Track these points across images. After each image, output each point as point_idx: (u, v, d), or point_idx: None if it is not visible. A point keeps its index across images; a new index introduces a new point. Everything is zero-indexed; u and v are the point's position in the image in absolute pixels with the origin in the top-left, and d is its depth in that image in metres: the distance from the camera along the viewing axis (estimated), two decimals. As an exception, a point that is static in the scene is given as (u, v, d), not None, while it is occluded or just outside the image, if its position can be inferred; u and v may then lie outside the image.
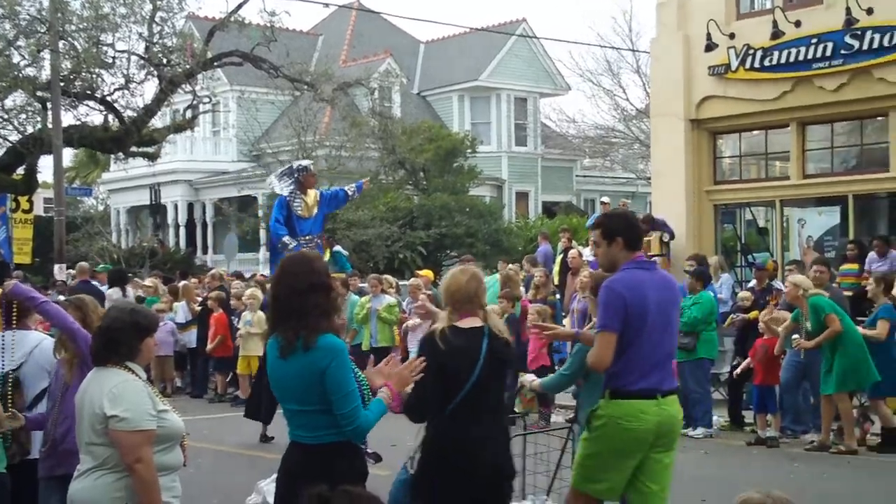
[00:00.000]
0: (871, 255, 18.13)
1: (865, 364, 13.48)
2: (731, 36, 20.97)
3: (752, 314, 15.60)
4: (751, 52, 20.66)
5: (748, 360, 14.64)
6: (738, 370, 15.08)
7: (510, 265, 21.26)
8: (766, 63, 20.54)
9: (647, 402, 6.50)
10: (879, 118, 20.09)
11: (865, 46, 19.17)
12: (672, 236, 21.20)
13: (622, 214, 7.38)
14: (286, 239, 14.30)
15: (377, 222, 32.10)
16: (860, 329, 13.95)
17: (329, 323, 5.38)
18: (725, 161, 22.61)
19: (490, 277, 21.45)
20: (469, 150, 36.94)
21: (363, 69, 36.90)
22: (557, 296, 20.09)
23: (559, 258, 22.80)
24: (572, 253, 20.47)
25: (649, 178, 39.70)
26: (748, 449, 14.21)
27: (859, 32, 19.21)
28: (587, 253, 22.36)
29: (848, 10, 19.09)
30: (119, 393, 5.40)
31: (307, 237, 14.70)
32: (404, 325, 18.76)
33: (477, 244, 33.52)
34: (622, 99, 39.43)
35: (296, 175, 15.03)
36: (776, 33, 20.06)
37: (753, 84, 20.82)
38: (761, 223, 23.37)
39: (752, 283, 17.79)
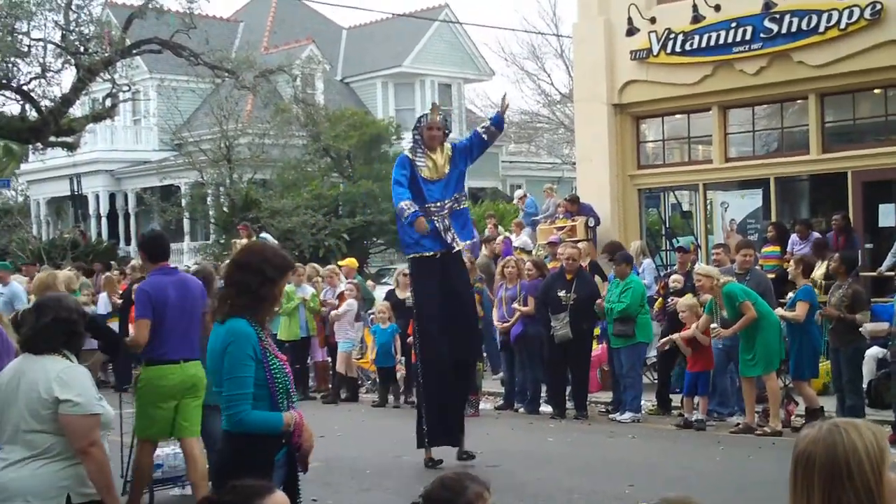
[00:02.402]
0: (794, 237, 18.32)
1: (782, 345, 13.71)
2: (652, 20, 21.04)
3: (686, 296, 15.67)
4: (672, 36, 20.76)
5: (678, 335, 14.65)
6: (665, 345, 15.09)
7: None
8: (687, 47, 20.66)
9: (171, 366, 9.14)
10: (799, 101, 20.29)
11: (784, 30, 19.33)
12: (598, 221, 21.25)
13: (151, 234, 10.22)
14: (404, 203, 11.59)
15: (301, 210, 31.87)
16: (779, 311, 14.09)
17: (252, 307, 5.20)
18: (649, 145, 22.72)
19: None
20: (394, 137, 36.80)
21: (285, 56, 36.58)
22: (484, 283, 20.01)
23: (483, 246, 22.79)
24: (500, 240, 20.47)
25: (575, 163, 39.92)
26: (676, 432, 14.30)
27: (778, 16, 19.37)
28: (516, 240, 22.44)
29: (767, -7, 19.26)
30: (68, 378, 5.37)
31: (437, 203, 11.86)
32: (330, 314, 18.58)
33: (403, 231, 33.39)
34: (547, 84, 39.58)
35: (416, 128, 12.19)
36: (696, 17, 20.17)
37: (675, 68, 20.93)
38: (685, 207, 23.54)
39: (676, 265, 17.89)
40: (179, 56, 30.57)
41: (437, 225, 11.84)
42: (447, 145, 12.17)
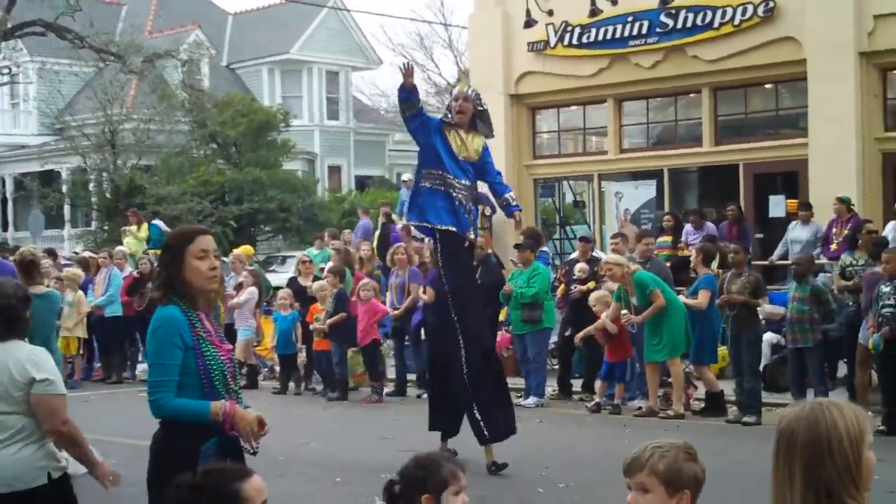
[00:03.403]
0: (687, 227, 18.77)
1: (687, 331, 14.06)
2: (550, 13, 21.34)
3: (590, 285, 15.97)
4: (569, 29, 21.08)
5: (594, 328, 14.88)
6: (580, 339, 15.31)
7: (334, 240, 21.17)
8: (584, 40, 21.00)
9: None
10: (692, 94, 20.80)
11: (680, 25, 19.80)
12: (494, 210, 21.40)
13: None
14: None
15: (188, 197, 31.45)
16: (682, 298, 14.46)
17: (180, 292, 5.03)
18: (544, 136, 23.03)
19: (316, 252, 21.37)
20: (282, 124, 36.57)
21: (171, 40, 36.07)
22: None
23: (377, 232, 22.90)
24: (401, 226, 20.55)
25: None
26: (582, 416, 14.58)
27: (674, 12, 19.82)
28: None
29: (663, -11, 19.67)
30: (39, 359, 5.40)
31: (461, 182, 10.59)
32: (230, 303, 18.45)
33: (291, 219, 33.28)
34: (435, 73, 39.72)
35: (450, 103, 11.10)
36: (594, 11, 20.51)
37: (572, 61, 21.26)
38: (579, 197, 23.92)
39: (575, 254, 18.17)
40: (64, 39, 29.99)
41: (462, 204, 10.56)
42: (480, 140, 10.95)
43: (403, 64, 10.52)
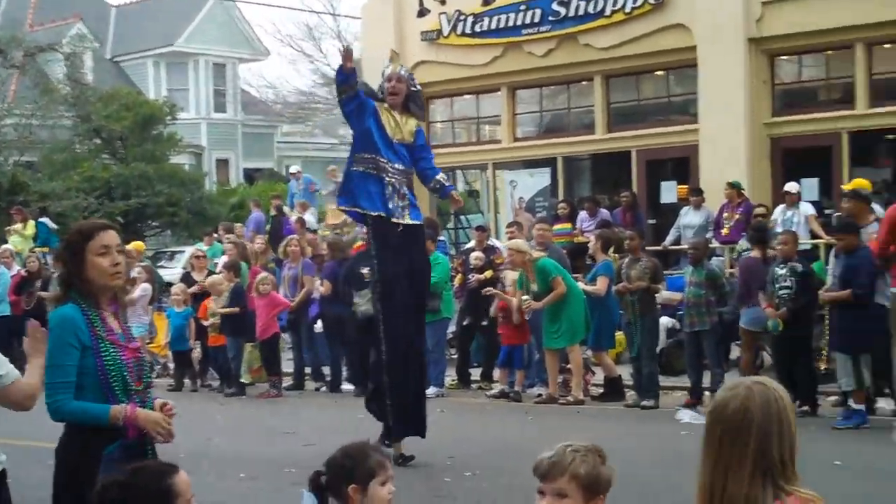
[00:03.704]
0: (582, 214, 18.90)
1: (586, 318, 14.14)
2: (443, 2, 21.33)
3: (487, 273, 15.96)
4: (462, 18, 21.07)
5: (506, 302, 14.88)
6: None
7: (228, 234, 20.87)
8: (477, 29, 21.01)
9: None
10: (585, 82, 20.92)
11: (572, 13, 19.91)
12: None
13: None
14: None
15: (73, 193, 30.73)
16: (581, 285, 14.52)
17: (80, 289, 4.86)
18: (438, 125, 22.99)
19: (206, 248, 21.02)
20: (168, 118, 35.94)
21: (53, 34, 35.20)
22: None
23: (268, 226, 22.70)
24: (294, 219, 20.36)
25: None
26: (482, 405, 14.58)
27: (566, 0, 19.89)
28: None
29: (556, -23, 19.76)
30: None
31: (394, 165, 10.24)
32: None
33: (179, 213, 32.74)
34: (323, 64, 39.38)
35: (381, 84, 10.64)
36: (486, 0, 20.50)
37: (465, 50, 21.25)
38: (474, 186, 23.92)
39: (471, 243, 18.15)
40: (-60, 32, 29.06)
41: (394, 189, 10.21)
42: (413, 121, 10.61)
43: (343, 47, 10.27)
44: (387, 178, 10.17)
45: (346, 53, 10.00)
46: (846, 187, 14.63)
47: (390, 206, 10.18)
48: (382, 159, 10.15)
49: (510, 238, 15.97)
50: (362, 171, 10.21)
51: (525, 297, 14.20)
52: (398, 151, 10.28)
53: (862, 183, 14.55)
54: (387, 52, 21.38)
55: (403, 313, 10.45)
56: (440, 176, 10.78)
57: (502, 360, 14.98)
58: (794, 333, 12.52)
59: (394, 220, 10.20)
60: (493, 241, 17.53)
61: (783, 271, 12.56)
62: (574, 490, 3.43)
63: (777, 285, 12.54)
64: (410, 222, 10.34)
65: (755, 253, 13.71)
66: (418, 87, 10.72)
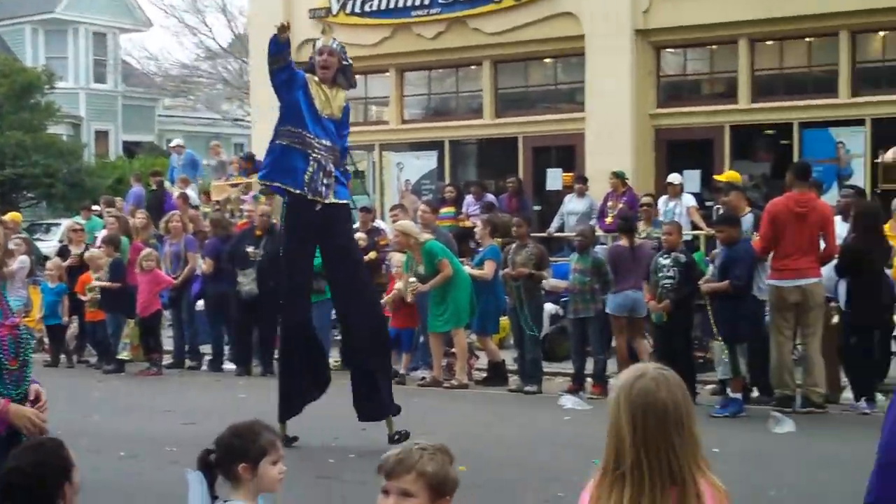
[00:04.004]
0: (469, 198, 18.96)
1: (472, 302, 14.19)
2: (332, -20, 21.14)
3: (371, 255, 15.93)
4: (352, -3, 20.95)
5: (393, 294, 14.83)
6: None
7: (109, 207, 20.46)
8: (367, 9, 20.92)
9: None
10: (474, 66, 20.97)
11: (462, -4, 19.93)
12: (274, 179, 21.13)
13: None
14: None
15: (-55, 162, 29.92)
16: (468, 269, 14.57)
17: None
18: (325, 104, 22.79)
19: (83, 222, 20.61)
20: (47, 87, 35.08)
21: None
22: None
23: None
24: (176, 195, 20.08)
25: (236, 119, 39.47)
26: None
27: (458, -18, 19.93)
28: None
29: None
30: None
31: (322, 142, 9.88)
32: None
33: (57, 185, 32.07)
34: (208, 37, 38.74)
35: (311, 58, 10.44)
36: (377, -21, 20.44)
37: (354, 29, 21.11)
38: (360, 167, 23.78)
39: (356, 224, 18.08)
40: None
41: (319, 165, 9.85)
42: (342, 96, 10.29)
43: (281, 23, 10.05)
44: (312, 155, 9.82)
45: (282, 26, 9.84)
46: (719, 178, 14.97)
47: (313, 183, 9.82)
48: (309, 134, 9.81)
49: (394, 220, 15.97)
50: (286, 145, 9.88)
51: (412, 280, 14.20)
52: (326, 127, 9.95)
53: (734, 175, 14.90)
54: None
55: (301, 296, 10.41)
56: (346, 161, 10.72)
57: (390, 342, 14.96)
58: (674, 323, 12.75)
59: (313, 198, 9.84)
60: (378, 223, 17.49)
61: (667, 262, 12.76)
62: (420, 489, 3.29)
63: (660, 275, 12.74)
64: (334, 201, 10.00)
65: (623, 241, 13.96)
66: (349, 60, 10.39)
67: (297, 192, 9.84)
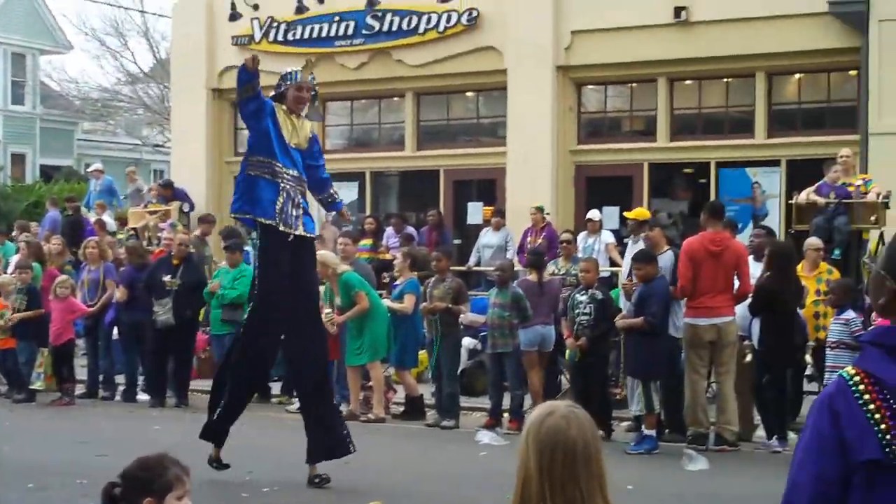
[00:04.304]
0: (388, 230, 18.94)
1: (389, 335, 14.17)
2: (256, 7, 21.12)
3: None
4: (275, 24, 20.92)
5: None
6: None
7: (24, 232, 20.14)
8: (290, 37, 20.89)
9: None
10: (396, 98, 21.01)
11: (386, 28, 19.99)
12: (192, 207, 21.02)
13: None
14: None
15: None
16: (387, 302, 14.54)
17: None
18: (246, 132, 22.66)
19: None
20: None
21: None
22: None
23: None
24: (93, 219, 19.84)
25: (156, 145, 39.12)
26: (281, 419, 14.37)
27: (380, 14, 19.99)
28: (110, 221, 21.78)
29: (370, -10, 19.80)
30: None
31: (290, 172, 9.64)
32: None
33: (-30, 207, 31.46)
34: (129, 62, 38.40)
35: (279, 87, 10.06)
36: (300, 8, 20.43)
37: (277, 57, 20.97)
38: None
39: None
40: None
41: (288, 196, 9.56)
42: (308, 125, 10.14)
43: (252, 55, 9.81)
44: (281, 185, 9.55)
45: (254, 58, 9.63)
46: (628, 215, 15.15)
47: (283, 214, 9.54)
48: (278, 164, 9.56)
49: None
50: (256, 176, 9.64)
51: (328, 311, 14.13)
52: (293, 157, 9.71)
53: (642, 212, 15.09)
54: (197, 55, 21.42)
55: (269, 332, 10.00)
56: (333, 189, 10.40)
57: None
58: (590, 359, 12.82)
59: (284, 229, 9.57)
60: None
61: (583, 298, 12.84)
62: None
63: (577, 312, 12.81)
64: (303, 233, 9.78)
65: (532, 276, 14.06)
66: (317, 88, 10.21)
67: (269, 222, 9.56)
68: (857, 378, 2.88)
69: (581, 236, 17.23)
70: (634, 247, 13.97)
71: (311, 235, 10.04)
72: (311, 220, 10.05)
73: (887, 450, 2.79)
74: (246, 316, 10.23)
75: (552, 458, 3.09)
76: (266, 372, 11.10)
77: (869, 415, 2.82)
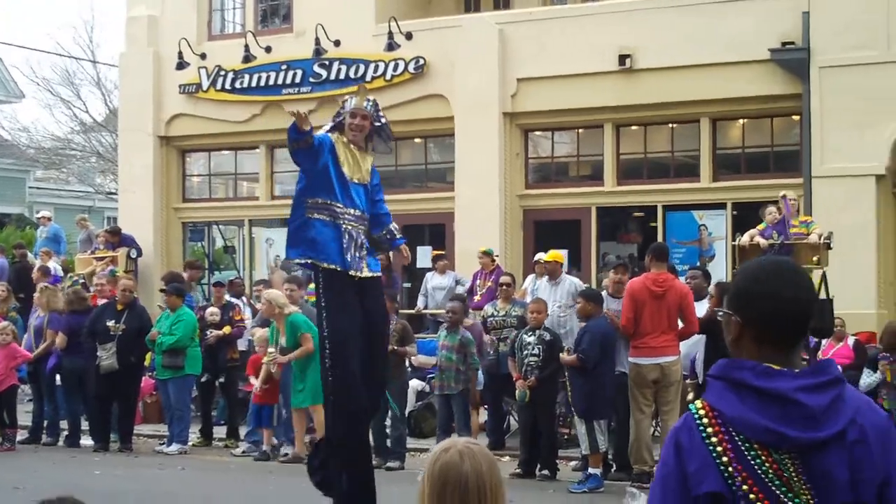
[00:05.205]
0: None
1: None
2: (203, 56, 21.15)
3: (226, 329, 15.86)
4: (222, 73, 20.95)
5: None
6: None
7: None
8: (237, 85, 20.93)
9: None
10: (346, 145, 21.02)
11: (333, 76, 20.07)
12: (140, 253, 20.94)
13: None
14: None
15: None
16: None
17: None
18: (195, 179, 22.72)
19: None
20: None
21: None
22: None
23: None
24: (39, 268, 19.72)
25: (109, 193, 38.89)
26: (226, 463, 14.36)
27: (327, 63, 20.06)
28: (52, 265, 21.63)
29: (317, 40, 19.88)
30: None
31: (351, 211, 9.00)
32: None
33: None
34: (81, 111, 38.23)
35: (338, 115, 9.39)
36: (247, 57, 20.47)
37: (224, 105, 21.13)
38: (230, 242, 23.66)
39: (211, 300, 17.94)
40: None
41: (351, 238, 8.95)
42: (370, 159, 9.37)
43: (295, 111, 8.93)
44: (343, 226, 8.93)
45: (303, 116, 8.75)
46: (545, 258, 15.29)
47: (347, 257, 8.93)
48: (339, 205, 8.91)
49: (258, 297, 15.95)
50: (314, 219, 8.96)
51: (271, 351, 14.07)
52: (356, 194, 9.08)
53: (557, 255, 15.27)
54: (145, 103, 21.42)
55: (359, 381, 9.05)
56: (393, 225, 9.70)
57: (254, 420, 14.79)
58: (539, 400, 12.86)
59: (351, 272, 8.97)
60: (231, 299, 17.31)
61: (531, 339, 12.90)
62: None
63: (525, 353, 12.86)
64: (369, 274, 9.15)
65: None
66: (384, 120, 9.50)
67: (333, 266, 8.93)
68: (701, 412, 2.92)
69: (529, 279, 17.28)
70: (553, 288, 14.20)
71: (377, 275, 9.35)
72: (376, 260, 9.37)
73: (730, 481, 2.83)
74: (326, 379, 9.14)
75: (443, 492, 3.12)
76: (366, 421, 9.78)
77: (711, 447, 2.86)
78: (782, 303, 2.93)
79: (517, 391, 12.97)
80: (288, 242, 9.29)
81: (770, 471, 2.82)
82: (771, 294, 2.94)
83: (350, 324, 8.92)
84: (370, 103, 9.34)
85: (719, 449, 2.85)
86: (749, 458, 2.83)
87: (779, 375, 2.87)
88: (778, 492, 2.82)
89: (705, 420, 2.90)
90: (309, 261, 9.04)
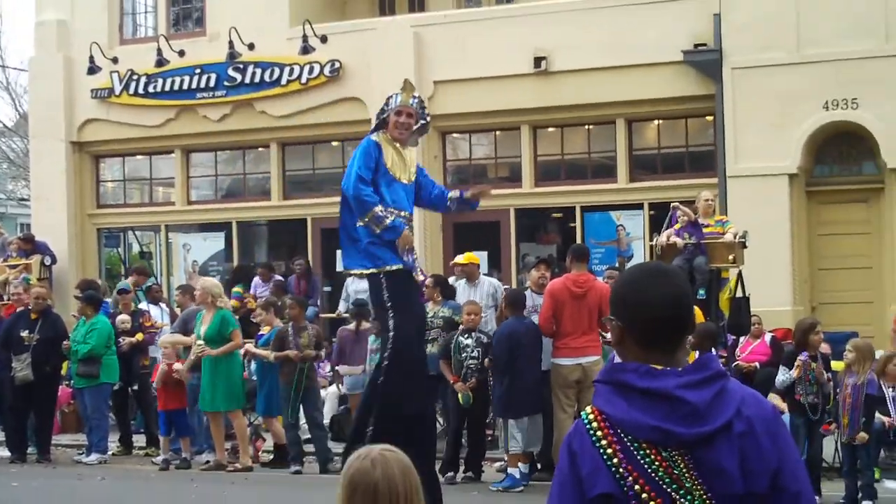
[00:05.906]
0: (256, 279, 18.85)
1: (244, 383, 14.16)
2: (115, 60, 20.86)
3: (138, 336, 15.70)
4: (135, 77, 20.69)
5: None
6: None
7: None
8: (151, 90, 20.68)
9: None
10: (261, 148, 20.93)
11: (248, 80, 19.91)
12: (54, 260, 20.61)
13: None
14: (379, 210, 8.76)
15: None
16: (250, 348, 14.45)
17: None
18: (109, 185, 22.42)
19: None
20: None
21: None
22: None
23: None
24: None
25: (21, 199, 38.23)
26: (146, 472, 14.18)
27: (242, 66, 19.91)
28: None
29: (231, 43, 19.70)
30: None
31: (403, 213, 9.04)
32: None
33: None
34: (-8, 116, 37.49)
35: (383, 111, 9.23)
36: (160, 61, 20.21)
37: (138, 109, 20.87)
38: (146, 248, 23.36)
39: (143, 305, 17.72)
40: None
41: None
42: (413, 153, 9.34)
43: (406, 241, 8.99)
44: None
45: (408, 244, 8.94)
46: (459, 261, 15.34)
47: (406, 258, 9.00)
48: (391, 209, 8.97)
49: (178, 303, 15.85)
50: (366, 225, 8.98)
51: (200, 343, 13.86)
52: (405, 195, 9.13)
53: (472, 257, 15.33)
54: (56, 108, 21.06)
55: (411, 380, 8.99)
56: (451, 192, 9.66)
57: (164, 427, 14.62)
58: (476, 401, 12.89)
59: (411, 272, 9.07)
60: (142, 306, 17.15)
61: (469, 341, 12.90)
62: None
63: (464, 355, 12.85)
64: (421, 278, 9.34)
65: (351, 326, 14.92)
66: (428, 118, 9.49)
67: (397, 267, 8.91)
68: (591, 416, 2.97)
69: (451, 281, 17.28)
70: (471, 290, 14.24)
71: (422, 277, 9.46)
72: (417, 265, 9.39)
73: (621, 482, 2.88)
74: (376, 380, 9.06)
75: (353, 497, 3.19)
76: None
77: (601, 450, 2.90)
78: (656, 307, 2.98)
79: (460, 394, 12.87)
80: (344, 253, 9.29)
81: (660, 469, 2.87)
82: (645, 299, 3.00)
83: (414, 322, 9.06)
84: (416, 101, 9.24)
85: (609, 451, 2.89)
86: (639, 458, 2.88)
87: (662, 375, 2.92)
88: (669, 489, 2.86)
89: (595, 424, 2.94)
90: (370, 270, 8.97)
